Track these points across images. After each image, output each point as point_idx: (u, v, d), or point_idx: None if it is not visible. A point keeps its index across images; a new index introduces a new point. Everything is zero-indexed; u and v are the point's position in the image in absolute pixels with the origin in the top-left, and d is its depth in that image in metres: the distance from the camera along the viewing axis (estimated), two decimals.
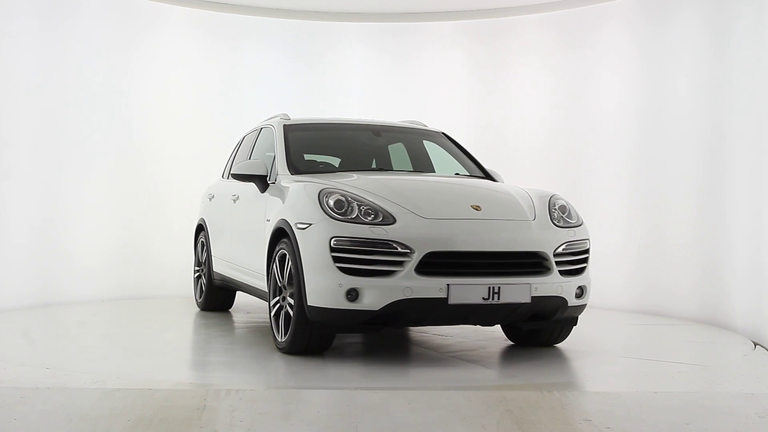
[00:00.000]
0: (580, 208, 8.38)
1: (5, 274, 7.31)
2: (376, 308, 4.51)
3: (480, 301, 4.56)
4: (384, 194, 4.87)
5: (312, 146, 6.24)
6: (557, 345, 5.47)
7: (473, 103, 9.26)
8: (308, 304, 4.68)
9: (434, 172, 6.23)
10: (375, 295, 4.49)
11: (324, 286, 4.58)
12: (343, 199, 4.72)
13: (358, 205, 4.70)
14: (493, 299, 4.58)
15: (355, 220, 4.62)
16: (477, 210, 4.83)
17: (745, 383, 4.58)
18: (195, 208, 8.93)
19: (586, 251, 5.13)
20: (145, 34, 8.80)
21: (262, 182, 5.68)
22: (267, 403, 3.72)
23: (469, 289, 4.55)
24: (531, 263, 4.80)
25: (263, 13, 9.26)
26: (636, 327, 7.04)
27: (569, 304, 4.90)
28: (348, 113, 8.85)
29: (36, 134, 7.70)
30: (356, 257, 4.54)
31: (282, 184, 5.40)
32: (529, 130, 8.95)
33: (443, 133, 6.53)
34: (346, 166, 6.02)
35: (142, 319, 7.19)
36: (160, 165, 8.85)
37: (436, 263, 4.57)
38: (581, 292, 5.00)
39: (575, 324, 5.33)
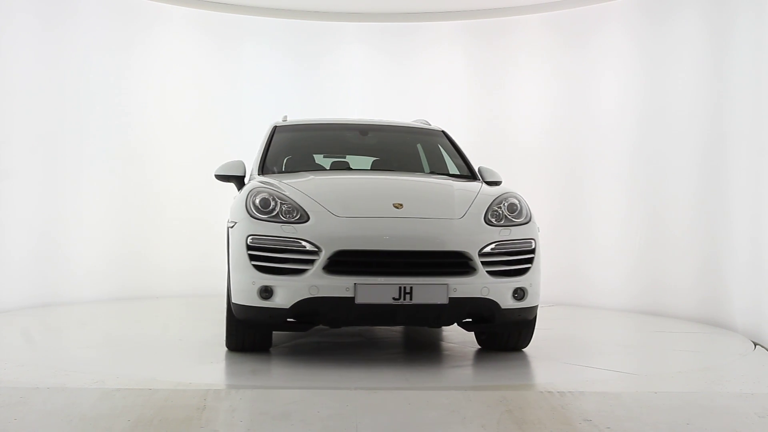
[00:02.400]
0: (579, 206, 8.49)
1: (5, 274, 7.31)
2: (286, 306, 4.51)
3: (390, 301, 4.43)
4: (313, 194, 4.83)
5: (297, 147, 6.22)
6: (554, 346, 5.46)
7: (473, 102, 9.26)
8: (232, 301, 4.78)
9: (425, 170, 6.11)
10: (285, 293, 4.50)
11: (242, 284, 4.65)
12: (269, 198, 4.74)
13: (281, 204, 4.71)
14: (404, 300, 4.42)
15: (273, 219, 4.64)
16: (398, 208, 4.70)
17: (745, 383, 4.57)
18: (194, 208, 8.92)
19: (530, 251, 4.79)
20: (145, 34, 8.80)
21: (240, 182, 5.70)
22: (267, 403, 3.71)
23: (378, 289, 4.44)
24: (452, 263, 4.57)
25: (263, 13, 9.27)
26: (635, 327, 7.04)
27: (503, 307, 4.62)
28: (348, 113, 8.85)
29: (36, 134, 7.70)
30: (269, 255, 4.57)
31: (246, 184, 5.44)
32: (529, 129, 8.95)
33: (443, 131, 6.48)
34: (334, 165, 6.08)
35: (142, 319, 7.20)
36: (160, 165, 8.85)
37: (347, 262, 4.50)
38: (522, 294, 4.70)
39: (532, 327, 5.10)
